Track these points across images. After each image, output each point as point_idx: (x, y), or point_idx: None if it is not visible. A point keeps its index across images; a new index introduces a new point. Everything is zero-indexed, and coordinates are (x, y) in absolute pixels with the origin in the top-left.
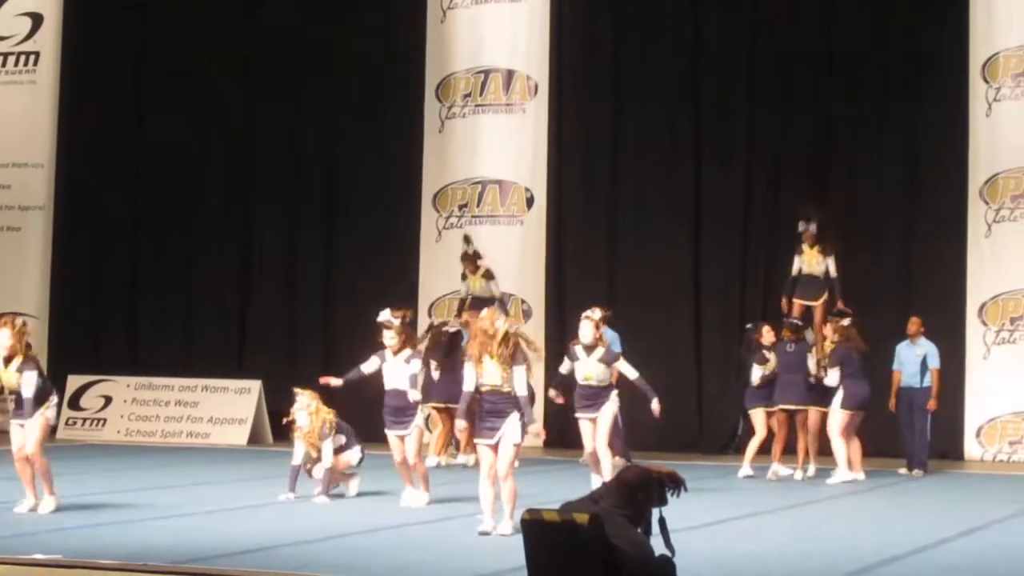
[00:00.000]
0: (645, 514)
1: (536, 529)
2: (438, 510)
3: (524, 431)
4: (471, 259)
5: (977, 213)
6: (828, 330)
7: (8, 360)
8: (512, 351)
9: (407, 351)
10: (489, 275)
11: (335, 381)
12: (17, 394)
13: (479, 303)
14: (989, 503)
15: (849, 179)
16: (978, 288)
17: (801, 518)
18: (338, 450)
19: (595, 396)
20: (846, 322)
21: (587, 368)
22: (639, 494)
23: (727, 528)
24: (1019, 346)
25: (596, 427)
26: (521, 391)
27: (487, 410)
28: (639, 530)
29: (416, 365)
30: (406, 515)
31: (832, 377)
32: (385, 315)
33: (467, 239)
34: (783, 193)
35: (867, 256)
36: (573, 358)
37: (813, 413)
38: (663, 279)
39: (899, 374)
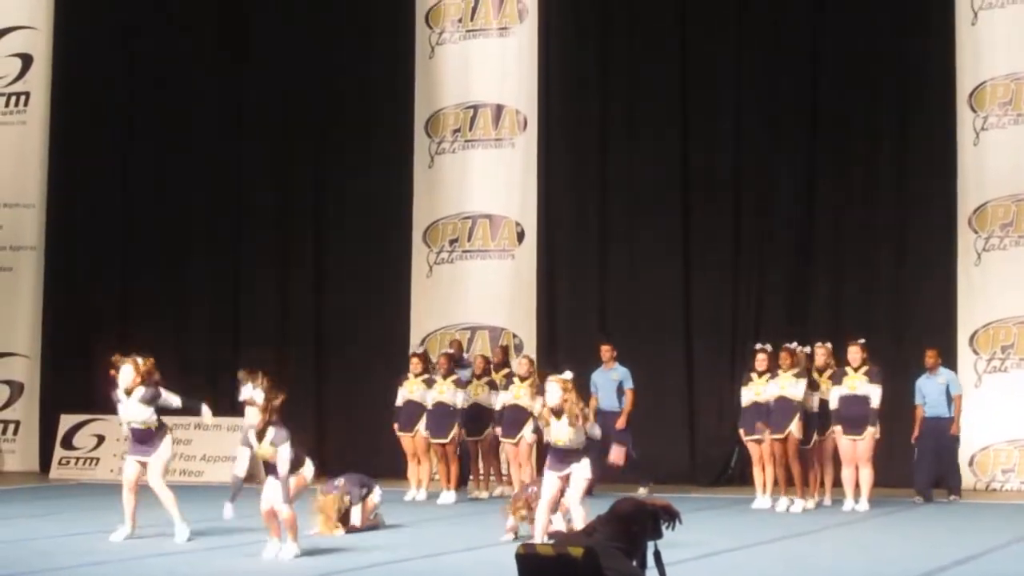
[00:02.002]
0: (640, 547)
1: (531, 563)
2: (433, 544)
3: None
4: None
5: (967, 242)
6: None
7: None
8: (580, 415)
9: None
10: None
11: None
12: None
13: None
14: (983, 532)
15: (838, 209)
16: (969, 317)
17: (795, 549)
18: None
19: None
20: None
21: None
22: (633, 527)
23: (721, 560)
24: (1011, 374)
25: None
26: (593, 439)
27: (557, 458)
28: (634, 563)
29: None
30: (399, 551)
31: (875, 396)
32: (247, 392)
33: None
34: (773, 225)
35: (858, 285)
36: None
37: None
38: (655, 311)
39: (921, 408)
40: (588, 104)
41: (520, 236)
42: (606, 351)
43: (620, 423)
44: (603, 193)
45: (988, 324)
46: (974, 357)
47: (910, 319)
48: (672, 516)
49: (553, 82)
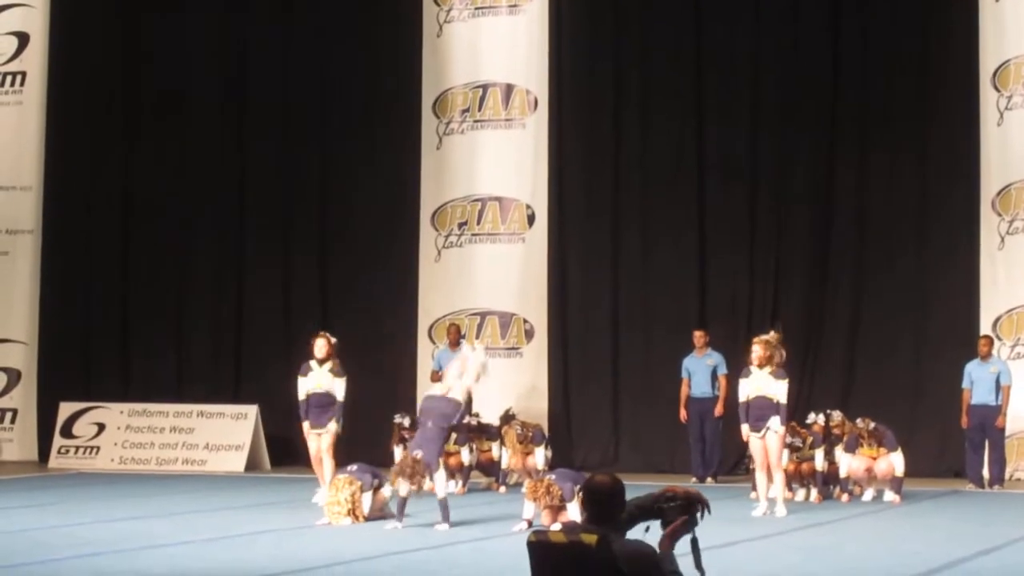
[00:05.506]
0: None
1: (542, 551)
2: (443, 535)
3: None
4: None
5: (990, 225)
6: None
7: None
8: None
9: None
10: None
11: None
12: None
13: None
14: (1006, 522)
15: (859, 194)
16: (992, 303)
17: (815, 539)
18: None
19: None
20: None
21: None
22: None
23: (739, 550)
24: None
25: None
26: (783, 399)
27: (755, 415)
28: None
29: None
30: (409, 541)
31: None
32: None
33: None
34: (791, 209)
35: (880, 272)
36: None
37: None
38: (668, 297)
39: (968, 392)
40: (601, 83)
41: (531, 219)
42: (699, 337)
43: (718, 410)
44: (616, 175)
45: (1012, 310)
46: (998, 343)
47: (932, 304)
48: (701, 504)
49: (564, 61)
